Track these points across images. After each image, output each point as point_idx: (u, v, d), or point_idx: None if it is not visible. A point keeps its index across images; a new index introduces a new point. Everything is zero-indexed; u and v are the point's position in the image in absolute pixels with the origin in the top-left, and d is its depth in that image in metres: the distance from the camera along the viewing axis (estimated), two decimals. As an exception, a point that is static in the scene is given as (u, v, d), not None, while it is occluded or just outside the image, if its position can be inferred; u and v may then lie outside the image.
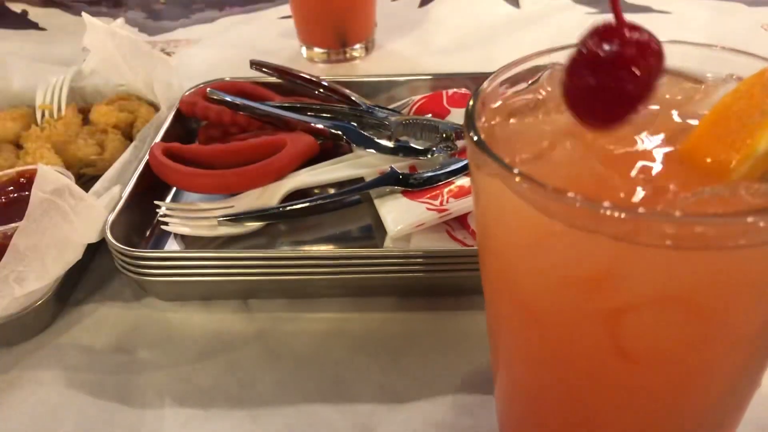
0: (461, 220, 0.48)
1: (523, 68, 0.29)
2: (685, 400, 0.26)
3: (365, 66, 0.79)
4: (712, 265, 0.21)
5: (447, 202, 0.48)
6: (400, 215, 0.48)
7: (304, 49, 0.80)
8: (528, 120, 0.27)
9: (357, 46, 0.79)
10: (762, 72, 0.24)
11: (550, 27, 0.84)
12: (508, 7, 0.89)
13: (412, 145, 0.54)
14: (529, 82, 0.29)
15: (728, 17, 0.84)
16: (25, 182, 0.54)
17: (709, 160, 0.23)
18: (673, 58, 0.29)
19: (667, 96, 0.27)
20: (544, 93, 0.28)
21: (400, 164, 0.53)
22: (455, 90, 0.62)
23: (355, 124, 0.56)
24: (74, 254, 0.45)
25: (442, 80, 0.65)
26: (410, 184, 0.50)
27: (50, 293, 0.44)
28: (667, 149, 0.25)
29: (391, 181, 0.51)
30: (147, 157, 0.53)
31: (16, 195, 0.53)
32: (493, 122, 0.27)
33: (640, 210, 0.20)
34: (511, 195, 0.23)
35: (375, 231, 0.51)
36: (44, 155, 0.57)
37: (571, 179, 0.23)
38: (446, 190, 0.50)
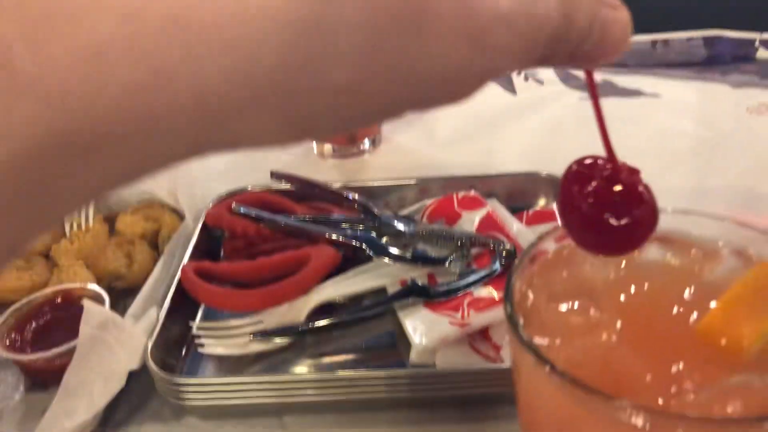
0: (483, 333, 0.51)
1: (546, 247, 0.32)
2: None
3: (373, 159, 0.82)
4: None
5: (468, 316, 0.51)
6: (423, 330, 0.51)
7: (314, 144, 0.83)
8: (560, 301, 0.30)
9: (365, 140, 0.82)
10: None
11: (546, 114, 0.88)
12: (505, 95, 0.93)
13: (429, 254, 0.57)
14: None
15: (715, 100, 0.89)
16: (61, 301, 0.56)
17: (725, 342, 0.26)
18: (685, 225, 0.33)
19: (683, 268, 0.31)
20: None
21: (419, 273, 0.56)
22: (465, 193, 0.65)
23: (375, 234, 0.59)
24: (119, 383, 0.47)
25: (450, 181, 0.68)
26: (431, 296, 0.53)
27: (97, 421, 0.47)
28: (685, 327, 0.28)
29: (412, 292, 0.54)
30: (179, 274, 0.56)
31: (52, 315, 0.55)
32: (531, 300, 0.30)
33: (655, 411, 0.23)
34: (546, 379, 0.26)
35: (398, 341, 0.54)
36: (78, 272, 0.59)
37: (599, 365, 0.26)
38: (466, 302, 0.52)
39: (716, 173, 0.75)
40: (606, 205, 0.25)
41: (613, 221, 0.24)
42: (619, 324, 0.27)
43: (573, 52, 0.20)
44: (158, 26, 0.13)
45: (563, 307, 0.29)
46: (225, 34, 0.14)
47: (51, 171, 0.14)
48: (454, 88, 0.19)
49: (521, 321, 0.27)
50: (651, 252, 0.31)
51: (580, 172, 0.25)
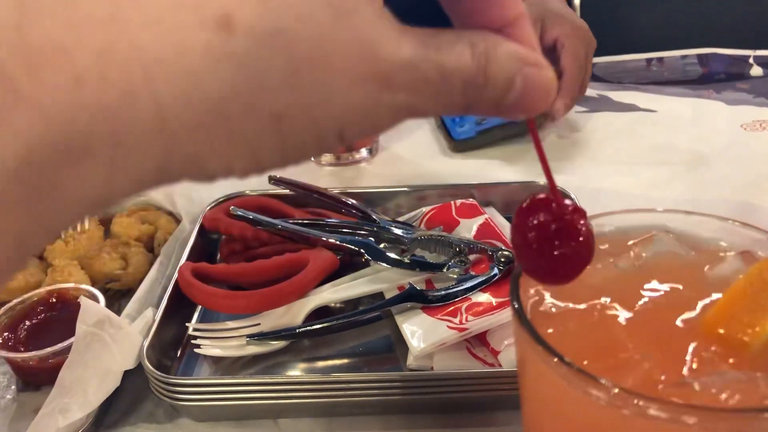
0: (480, 338, 0.51)
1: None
2: None
3: (371, 168, 0.82)
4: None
5: (466, 320, 0.51)
6: (422, 334, 0.50)
7: (311, 152, 0.83)
8: (567, 297, 0.30)
9: (362, 150, 0.83)
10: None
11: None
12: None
13: (427, 260, 0.57)
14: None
15: (709, 116, 0.90)
16: (55, 301, 0.56)
17: (727, 335, 0.26)
18: (690, 226, 0.33)
19: (689, 265, 0.31)
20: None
21: (417, 278, 0.56)
22: (462, 200, 0.65)
23: (373, 240, 0.59)
24: (114, 382, 0.47)
25: (447, 189, 0.69)
26: (429, 300, 0.53)
27: (90, 421, 0.46)
28: (690, 322, 0.28)
29: (410, 297, 0.53)
30: (176, 275, 0.56)
31: (46, 315, 0.55)
32: (537, 297, 0.30)
33: (664, 402, 0.23)
34: (554, 373, 0.25)
35: (396, 345, 0.54)
36: (72, 273, 0.59)
37: (606, 359, 0.26)
38: (464, 306, 0.52)
39: (711, 187, 0.75)
40: (545, 237, 0.26)
41: (549, 252, 0.26)
42: (625, 319, 0.27)
43: (497, 104, 0.22)
44: (123, 59, 0.17)
45: (570, 303, 0.29)
46: (174, 66, 0.17)
47: (45, 176, 0.17)
48: (372, 122, 0.21)
49: (529, 316, 0.27)
50: (657, 248, 0.31)
51: (530, 207, 0.27)
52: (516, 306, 0.27)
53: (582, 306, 0.29)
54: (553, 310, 0.29)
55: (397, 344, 0.53)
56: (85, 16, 0.17)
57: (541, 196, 0.27)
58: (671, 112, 0.92)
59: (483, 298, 0.53)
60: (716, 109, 0.91)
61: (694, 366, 0.25)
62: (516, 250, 0.27)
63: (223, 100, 0.18)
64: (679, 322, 0.28)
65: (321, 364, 0.53)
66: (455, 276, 0.56)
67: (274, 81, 0.19)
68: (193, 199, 0.67)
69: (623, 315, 0.28)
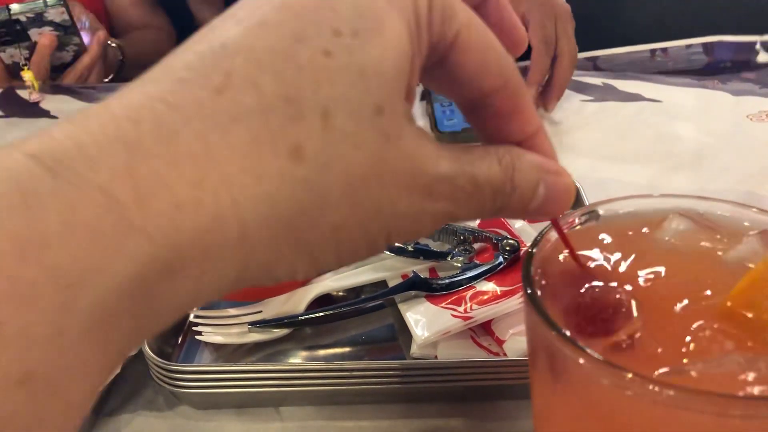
0: (485, 326, 0.50)
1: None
2: None
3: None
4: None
5: (471, 309, 0.50)
6: (425, 323, 0.50)
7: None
8: (579, 280, 0.29)
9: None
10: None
11: (552, 115, 0.88)
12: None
13: (431, 248, 0.57)
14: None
15: (715, 107, 0.89)
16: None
17: (750, 315, 0.26)
18: (709, 209, 0.33)
19: (710, 248, 0.30)
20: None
21: (420, 267, 0.56)
22: (467, 189, 0.65)
23: (376, 227, 0.58)
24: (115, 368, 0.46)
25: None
26: (433, 289, 0.53)
27: (90, 407, 0.45)
28: (713, 303, 0.27)
29: (414, 285, 0.53)
30: (176, 262, 0.55)
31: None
32: (547, 280, 0.29)
33: (673, 386, 0.22)
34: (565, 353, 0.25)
35: (399, 334, 0.53)
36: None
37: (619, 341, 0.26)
38: (468, 295, 0.52)
39: (717, 177, 0.75)
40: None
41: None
42: (642, 301, 0.27)
43: (523, 208, 0.26)
44: (214, 189, 0.20)
45: (583, 287, 0.28)
46: (256, 191, 0.20)
47: (149, 291, 0.19)
48: (417, 227, 0.24)
49: (540, 298, 0.26)
50: (674, 229, 0.31)
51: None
52: (529, 291, 0.27)
53: (597, 288, 0.28)
54: (565, 292, 0.28)
55: (401, 333, 0.53)
56: (182, 154, 0.19)
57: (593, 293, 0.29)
58: (676, 102, 0.91)
59: (488, 286, 0.53)
60: (721, 100, 0.91)
61: (712, 349, 0.25)
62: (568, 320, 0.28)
63: (294, 217, 0.21)
64: (696, 305, 0.27)
65: (323, 352, 0.53)
66: (459, 264, 0.56)
67: (334, 198, 0.21)
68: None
69: (639, 298, 0.28)
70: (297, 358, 0.52)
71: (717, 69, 0.98)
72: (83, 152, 0.19)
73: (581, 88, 0.94)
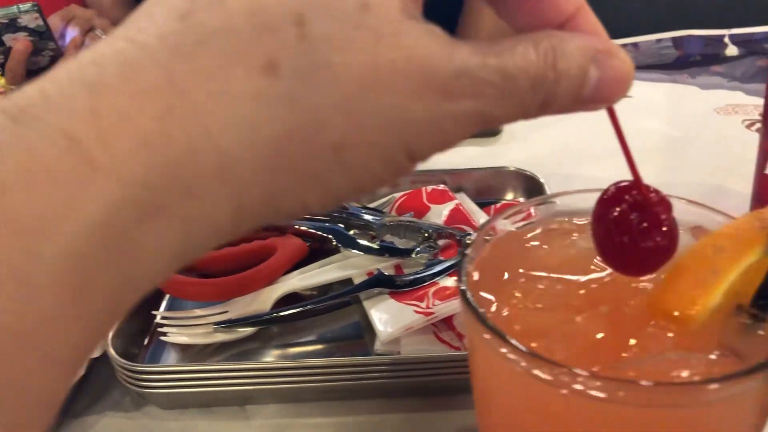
0: (447, 322, 0.51)
1: (512, 215, 0.32)
2: None
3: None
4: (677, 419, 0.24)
5: (433, 305, 0.51)
6: (389, 319, 0.51)
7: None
8: (517, 275, 0.30)
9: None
10: (711, 235, 0.27)
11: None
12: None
13: (396, 245, 0.58)
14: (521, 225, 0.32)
15: (684, 101, 0.90)
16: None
17: (673, 311, 0.27)
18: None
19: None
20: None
21: (386, 264, 0.56)
22: (434, 186, 0.65)
23: (343, 226, 0.59)
24: (79, 370, 0.46)
25: (421, 175, 0.69)
26: (397, 286, 0.53)
27: (54, 410, 0.46)
28: (639, 299, 0.28)
29: (378, 283, 0.54)
30: (143, 264, 0.55)
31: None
32: (485, 278, 0.30)
33: (599, 376, 0.23)
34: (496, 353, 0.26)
35: (364, 331, 0.54)
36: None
37: (549, 334, 0.27)
38: (432, 291, 0.52)
39: (684, 171, 0.76)
40: (627, 230, 0.26)
41: (632, 245, 0.26)
42: (574, 297, 0.27)
43: (575, 97, 0.22)
44: (182, 119, 0.18)
45: (517, 283, 0.29)
46: (229, 116, 0.19)
47: (127, 236, 0.18)
48: (440, 134, 0.21)
49: (472, 296, 0.27)
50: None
51: (613, 197, 0.27)
52: (463, 288, 0.27)
53: (533, 285, 0.29)
54: (500, 288, 0.29)
55: (366, 330, 0.53)
56: (146, 87, 0.18)
57: (624, 184, 0.27)
58: (646, 97, 0.92)
59: (450, 282, 0.53)
60: (691, 94, 0.92)
61: (639, 344, 0.26)
62: (598, 242, 0.27)
63: (281, 140, 0.19)
64: (626, 301, 0.28)
65: (290, 350, 0.53)
66: (424, 261, 0.56)
67: (326, 113, 0.19)
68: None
69: (572, 293, 0.28)
70: (264, 357, 0.52)
71: (687, 63, 0.99)
72: (45, 98, 0.18)
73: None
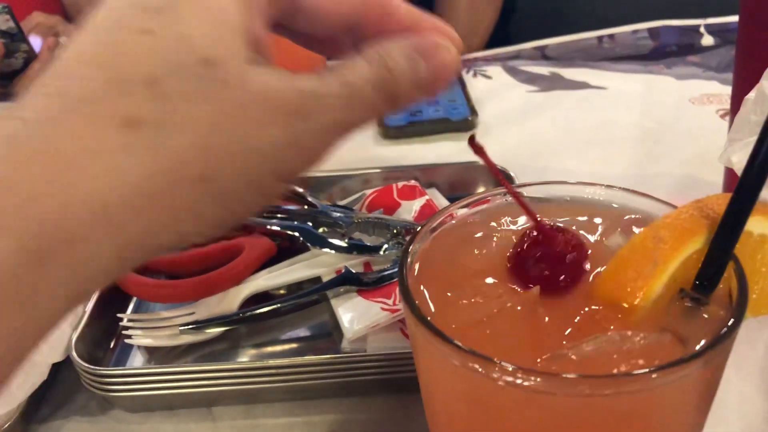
0: (413, 319, 0.50)
1: (452, 213, 0.32)
2: None
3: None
4: (608, 407, 0.24)
5: (399, 301, 0.51)
6: (355, 317, 0.50)
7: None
8: (453, 273, 0.30)
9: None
10: (651, 226, 0.27)
11: (497, 107, 0.88)
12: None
13: (365, 243, 0.57)
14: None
15: (659, 92, 0.90)
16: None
17: (614, 303, 0.26)
18: (585, 194, 0.33)
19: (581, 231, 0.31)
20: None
21: (355, 262, 0.56)
22: (405, 183, 0.65)
23: (311, 224, 0.59)
24: (40, 376, 0.46)
25: (392, 172, 0.68)
26: (365, 283, 0.53)
27: (16, 415, 0.46)
28: (580, 291, 0.28)
29: (346, 280, 0.53)
30: (109, 267, 0.55)
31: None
32: (423, 277, 0.30)
33: (535, 374, 0.23)
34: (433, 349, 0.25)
35: (332, 330, 0.53)
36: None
37: (490, 331, 0.26)
38: (398, 288, 0.52)
39: (658, 162, 0.76)
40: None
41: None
42: (513, 291, 0.27)
43: (416, 84, 0.26)
44: (58, 177, 0.21)
45: (456, 276, 0.29)
46: (95, 168, 0.21)
47: (23, 279, 0.20)
48: (304, 152, 0.24)
49: (411, 288, 0.27)
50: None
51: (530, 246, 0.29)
52: (402, 280, 0.27)
53: (471, 277, 0.29)
54: (442, 281, 0.29)
55: (334, 329, 0.53)
56: (26, 153, 0.21)
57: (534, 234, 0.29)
58: (622, 88, 0.92)
59: (418, 278, 0.53)
60: (666, 84, 0.92)
61: (581, 330, 0.26)
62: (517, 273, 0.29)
63: (149, 182, 0.21)
64: (569, 292, 0.28)
65: (258, 351, 0.53)
66: (393, 258, 0.56)
67: (186, 153, 0.22)
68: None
69: (511, 286, 0.28)
70: (232, 358, 0.52)
71: (663, 53, 0.99)
72: None
73: (528, 80, 0.95)
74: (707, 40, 1.00)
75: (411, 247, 0.30)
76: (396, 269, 0.53)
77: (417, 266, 0.30)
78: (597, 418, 0.24)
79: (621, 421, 0.24)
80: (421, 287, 0.28)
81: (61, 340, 0.48)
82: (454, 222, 0.32)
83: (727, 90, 0.88)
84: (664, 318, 0.26)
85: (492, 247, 0.30)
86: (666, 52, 0.99)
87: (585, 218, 0.32)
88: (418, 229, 0.31)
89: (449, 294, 0.28)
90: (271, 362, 0.48)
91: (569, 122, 0.85)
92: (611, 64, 0.98)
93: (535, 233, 0.29)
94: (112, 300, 0.54)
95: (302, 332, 0.54)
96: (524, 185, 0.36)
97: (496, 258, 0.30)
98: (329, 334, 0.54)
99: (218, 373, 0.47)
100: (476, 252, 0.30)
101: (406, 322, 0.48)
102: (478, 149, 0.30)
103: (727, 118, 0.82)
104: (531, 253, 0.29)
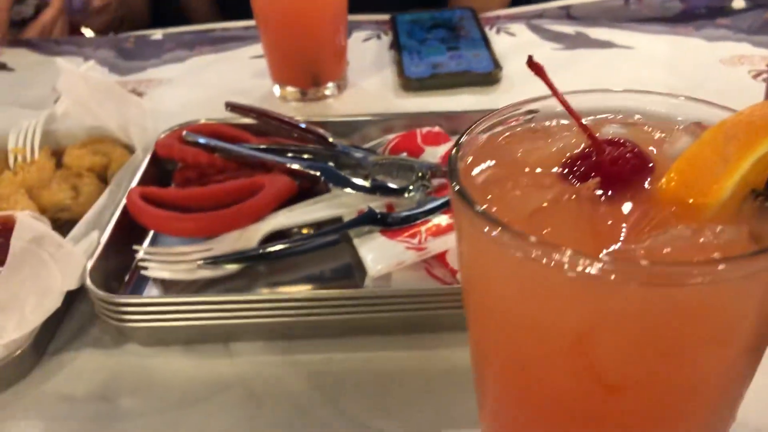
0: (440, 258, 0.49)
1: (502, 118, 0.30)
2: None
3: (338, 104, 0.80)
4: (679, 299, 0.22)
5: (425, 240, 0.49)
6: (379, 255, 0.49)
7: (277, 88, 0.81)
8: (509, 169, 0.28)
9: (330, 84, 0.80)
10: (722, 123, 0.25)
11: (521, 63, 0.85)
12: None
13: (389, 184, 0.55)
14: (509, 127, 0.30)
15: (688, 53, 0.87)
16: (1, 228, 0.53)
17: (682, 202, 0.25)
18: (647, 105, 0.32)
19: (644, 141, 0.29)
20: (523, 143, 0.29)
21: (377, 203, 0.54)
22: (429, 129, 0.63)
23: (333, 164, 0.57)
24: (54, 302, 0.44)
25: (416, 118, 0.66)
26: (388, 224, 0.51)
27: (29, 342, 0.44)
28: (644, 191, 0.26)
29: (369, 220, 0.51)
30: (124, 201, 0.53)
31: (-10, 242, 0.53)
32: (476, 172, 0.28)
33: (606, 258, 0.21)
34: (493, 243, 0.24)
35: (354, 270, 0.52)
36: (19, 201, 0.56)
37: (552, 224, 0.24)
38: (424, 228, 0.50)
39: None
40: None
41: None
42: (575, 188, 0.25)
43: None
44: None
45: (516, 171, 0.27)
46: None
47: None
48: None
49: (463, 184, 0.25)
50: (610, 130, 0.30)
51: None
52: (456, 187, 0.25)
53: (528, 175, 0.27)
54: (495, 180, 0.27)
55: (356, 268, 0.51)
56: None
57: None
58: (649, 48, 0.89)
59: (443, 219, 0.51)
60: (695, 46, 0.89)
61: (642, 230, 0.24)
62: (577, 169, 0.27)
63: None
64: (633, 190, 0.26)
65: (276, 289, 0.51)
66: (417, 200, 0.54)
67: None
68: (147, 129, 0.64)
69: (571, 185, 0.26)
70: (249, 295, 0.50)
71: (692, 16, 0.96)
72: None
73: (552, 38, 0.92)
74: (738, 2, 0.97)
75: (464, 140, 0.28)
76: (422, 209, 0.51)
77: (469, 160, 0.28)
78: (668, 313, 0.22)
79: (691, 318, 0.22)
80: (474, 182, 0.26)
81: (76, 269, 0.46)
82: (505, 126, 0.30)
83: (760, 51, 0.86)
84: (735, 218, 0.24)
85: (549, 148, 0.28)
86: (695, 15, 0.96)
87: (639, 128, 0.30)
88: (473, 126, 0.29)
89: (503, 188, 0.26)
90: (295, 295, 0.46)
91: (595, 79, 0.82)
92: (638, 25, 0.95)
93: (595, 137, 0.27)
94: (128, 233, 0.52)
95: (321, 272, 0.53)
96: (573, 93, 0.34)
97: (553, 156, 0.28)
98: (350, 274, 0.52)
99: (237, 304, 0.45)
100: (531, 149, 0.28)
101: (454, 225, 0.47)
102: (537, 68, 0.28)
103: (760, 78, 0.80)
104: (591, 152, 0.27)
